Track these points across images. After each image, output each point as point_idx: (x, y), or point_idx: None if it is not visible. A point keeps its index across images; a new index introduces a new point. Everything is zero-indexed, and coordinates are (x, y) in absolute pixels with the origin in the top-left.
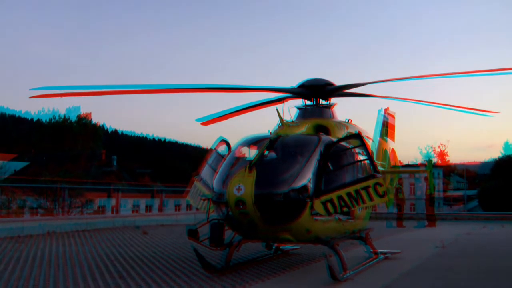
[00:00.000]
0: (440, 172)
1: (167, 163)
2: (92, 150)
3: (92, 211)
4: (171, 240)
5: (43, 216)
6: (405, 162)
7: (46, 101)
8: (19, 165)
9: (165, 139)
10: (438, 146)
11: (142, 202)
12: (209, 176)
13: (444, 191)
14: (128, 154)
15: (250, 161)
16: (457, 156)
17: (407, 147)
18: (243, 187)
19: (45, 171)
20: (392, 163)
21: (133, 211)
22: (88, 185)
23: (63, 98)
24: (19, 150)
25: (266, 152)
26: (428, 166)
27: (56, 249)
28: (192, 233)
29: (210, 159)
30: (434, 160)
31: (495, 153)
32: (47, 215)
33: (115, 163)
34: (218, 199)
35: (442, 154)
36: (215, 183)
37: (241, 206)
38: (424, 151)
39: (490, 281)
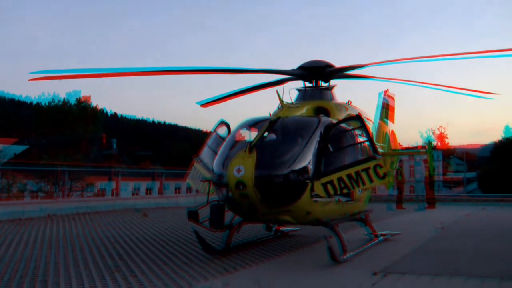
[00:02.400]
0: (440, 154)
1: (167, 146)
2: (92, 133)
3: (93, 194)
4: (171, 223)
5: (44, 199)
6: (405, 145)
7: (46, 85)
8: (19, 148)
9: (164, 122)
10: (438, 129)
11: (142, 185)
12: (209, 158)
13: (444, 174)
14: (128, 138)
15: (250, 143)
16: (457, 139)
17: (407, 130)
18: (243, 168)
19: (45, 155)
20: (392, 145)
21: (133, 194)
22: (88, 168)
23: (63, 82)
24: (19, 134)
25: (266, 134)
26: (428, 148)
27: (57, 231)
28: (193, 215)
29: (210, 141)
30: (434, 143)
31: (496, 137)
32: (47, 198)
33: (115, 146)
34: (218, 181)
35: (441, 137)
36: (215, 165)
37: (241, 188)
38: (425, 135)
39: (488, 262)
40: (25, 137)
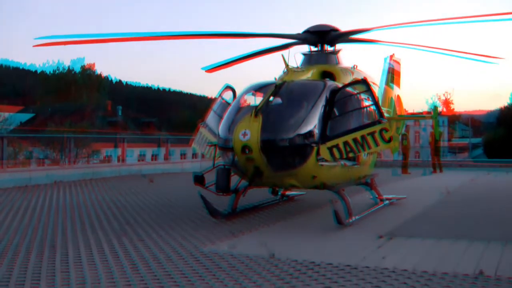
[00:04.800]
0: (445, 120)
1: (172, 113)
2: (97, 100)
3: (98, 160)
4: (177, 188)
5: (50, 166)
6: (410, 111)
7: (51, 53)
8: (25, 116)
9: (169, 89)
10: (443, 94)
11: (148, 151)
12: (214, 122)
13: (449, 139)
14: (133, 105)
15: (256, 107)
16: (462, 105)
17: (413, 96)
18: (249, 132)
19: (50, 122)
20: (398, 110)
21: (139, 160)
22: (94, 135)
23: (68, 48)
24: (24, 102)
25: (272, 98)
26: (434, 114)
27: (64, 198)
28: (199, 179)
29: (216, 106)
30: (440, 108)
31: (502, 103)
32: (54, 165)
33: (120, 113)
34: (224, 145)
35: (447, 103)
36: (221, 129)
37: (247, 152)
38: (430, 101)
39: (493, 226)
40: (30, 105)
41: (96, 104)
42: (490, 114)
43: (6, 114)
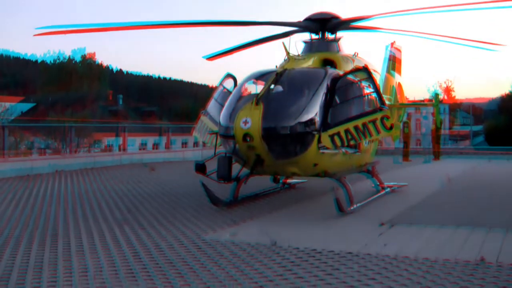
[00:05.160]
0: (447, 108)
1: (173, 102)
2: (97, 90)
3: (100, 150)
4: (178, 176)
5: (51, 156)
6: (411, 99)
7: (52, 43)
8: (26, 106)
9: (170, 78)
10: (445, 82)
11: (149, 140)
12: (216, 111)
13: (450, 127)
14: (134, 94)
15: (257, 95)
16: (463, 93)
17: (414, 84)
18: (250, 120)
19: (51, 112)
20: (399, 97)
21: (140, 149)
22: (95, 124)
23: (68, 38)
24: (25, 92)
25: (273, 86)
26: (435, 101)
27: (65, 187)
28: (200, 167)
29: (217, 94)
30: (441, 96)
31: (503, 91)
32: (55, 155)
33: (121, 103)
34: (225, 134)
35: (448, 90)
36: (222, 117)
37: (248, 140)
38: (432, 89)
39: (495, 213)
40: (31, 95)
41: (97, 93)
42: (491, 102)
43: (7, 104)
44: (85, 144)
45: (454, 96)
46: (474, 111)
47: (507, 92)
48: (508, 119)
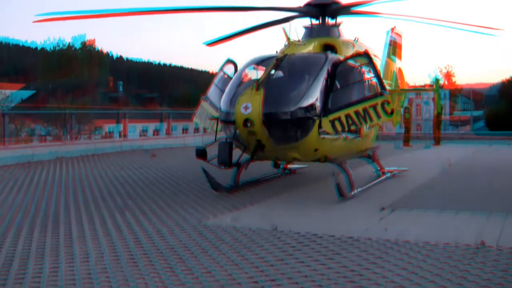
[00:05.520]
0: (447, 93)
1: (173, 88)
2: (98, 77)
3: (100, 136)
4: (179, 162)
5: (52, 143)
6: (412, 85)
7: (51, 30)
8: (26, 94)
9: (170, 64)
10: (445, 67)
11: (150, 127)
12: (216, 96)
13: (451, 113)
14: (134, 80)
15: (257, 81)
16: (464, 78)
17: (415, 70)
18: (251, 106)
19: (52, 99)
20: (400, 82)
21: (140, 136)
22: (95, 111)
23: (68, 25)
24: (25, 80)
25: (273, 72)
26: (436, 87)
27: (66, 173)
28: (201, 153)
29: (217, 80)
30: (441, 81)
31: (504, 76)
32: (56, 142)
33: (121, 89)
34: (226, 119)
35: (448, 76)
36: (222, 103)
37: (248, 125)
38: (432, 75)
39: (495, 198)
40: (32, 82)
41: (97, 80)
42: (492, 87)
43: (7, 92)
44: (86, 131)
45: (455, 82)
46: (475, 97)
47: (508, 77)
48: (509, 104)
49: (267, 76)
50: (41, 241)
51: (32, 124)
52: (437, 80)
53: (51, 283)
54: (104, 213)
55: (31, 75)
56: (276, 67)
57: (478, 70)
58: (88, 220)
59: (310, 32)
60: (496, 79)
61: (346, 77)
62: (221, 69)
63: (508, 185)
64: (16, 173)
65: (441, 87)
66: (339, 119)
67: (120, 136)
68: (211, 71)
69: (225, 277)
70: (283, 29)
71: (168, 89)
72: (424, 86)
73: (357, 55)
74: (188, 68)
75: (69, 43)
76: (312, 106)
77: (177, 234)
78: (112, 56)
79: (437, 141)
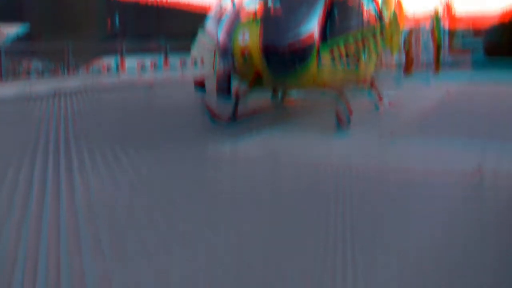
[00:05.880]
0: (446, 24)
1: (171, 20)
2: (94, 10)
3: (98, 70)
4: (178, 95)
5: (50, 78)
6: (411, 15)
7: None
8: (22, 30)
9: None
10: None
11: (147, 59)
12: (214, 28)
13: (450, 44)
14: (131, 14)
15: (256, 10)
16: (464, 8)
17: (415, 1)
18: (249, 35)
19: (47, 34)
20: (398, 13)
21: (138, 69)
22: (92, 44)
23: None
24: (20, 16)
25: (271, 1)
26: (435, 17)
27: (65, 108)
28: (199, 84)
29: (215, 11)
30: (441, 12)
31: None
32: (53, 76)
33: (117, 22)
34: (224, 50)
35: (448, 7)
36: (220, 33)
37: (246, 55)
38: (432, 6)
39: (492, 126)
40: (27, 19)
41: (93, 13)
42: (492, 17)
43: (4, 30)
44: (83, 65)
45: (454, 12)
46: (475, 27)
47: (508, 9)
48: (508, 33)
49: (265, 5)
50: (42, 172)
51: (28, 60)
52: (436, 11)
53: (53, 211)
54: (104, 145)
55: (27, 12)
56: None
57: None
58: (89, 153)
59: None
60: (497, 8)
61: (345, 5)
62: (219, 0)
63: (507, 113)
64: (14, 108)
65: (441, 17)
66: (338, 47)
67: (117, 69)
68: (208, 3)
69: (226, 202)
70: None
71: (166, 22)
72: (423, 17)
73: None
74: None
75: None
76: (311, 35)
77: (177, 163)
78: None
79: (437, 68)
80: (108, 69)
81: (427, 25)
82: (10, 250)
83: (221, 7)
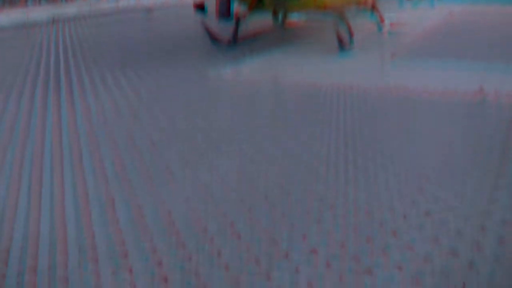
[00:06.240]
0: None
1: None
2: None
3: None
4: (178, 19)
5: (47, 5)
6: None
7: None
8: None
9: None
10: None
11: None
12: None
13: None
14: None
15: None
16: None
17: None
18: None
19: None
20: None
21: None
22: None
23: None
24: None
25: None
26: None
27: (64, 35)
28: (200, 7)
29: None
30: None
31: None
32: (51, 3)
33: None
34: None
35: None
36: None
37: None
38: None
39: (494, 48)
40: None
41: None
42: None
43: None
44: None
45: None
46: None
47: None
48: None
49: None
50: (43, 98)
51: None
52: None
53: (56, 137)
54: (104, 70)
55: None
56: None
57: None
58: (89, 79)
59: None
60: None
61: None
62: None
63: (510, 36)
64: (11, 37)
65: None
66: None
67: None
68: None
69: (228, 123)
70: None
71: None
72: None
73: None
74: None
75: None
76: None
77: (178, 86)
78: None
79: None
80: None
81: None
82: (14, 173)
83: None
